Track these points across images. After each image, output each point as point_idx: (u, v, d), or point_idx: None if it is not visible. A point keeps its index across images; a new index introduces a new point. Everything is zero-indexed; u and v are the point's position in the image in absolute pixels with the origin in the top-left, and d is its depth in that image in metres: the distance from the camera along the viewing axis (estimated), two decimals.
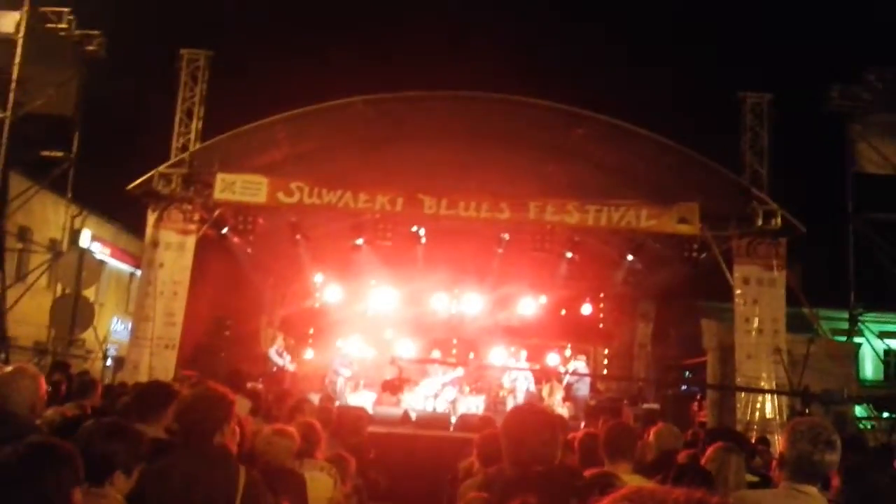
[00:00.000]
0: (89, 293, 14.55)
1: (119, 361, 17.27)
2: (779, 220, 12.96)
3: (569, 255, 15.54)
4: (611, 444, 4.10)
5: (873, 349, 18.73)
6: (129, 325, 15.60)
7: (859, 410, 15.62)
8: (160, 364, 12.57)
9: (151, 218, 13.40)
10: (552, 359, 17.88)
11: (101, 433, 2.89)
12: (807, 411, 10.78)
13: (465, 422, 12.99)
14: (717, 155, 13.57)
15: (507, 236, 15.30)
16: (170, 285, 13.10)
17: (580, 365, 17.24)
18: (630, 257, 15.69)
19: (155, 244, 13.29)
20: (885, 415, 14.77)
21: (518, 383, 15.96)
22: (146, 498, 2.88)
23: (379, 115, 13.49)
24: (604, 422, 5.18)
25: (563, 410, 14.18)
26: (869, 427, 14.82)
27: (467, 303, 18.00)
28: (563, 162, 14.02)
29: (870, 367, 23.53)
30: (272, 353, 15.93)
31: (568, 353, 19.08)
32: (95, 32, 15.41)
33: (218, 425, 3.34)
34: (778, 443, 10.49)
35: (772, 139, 13.58)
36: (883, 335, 18.90)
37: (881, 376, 23.36)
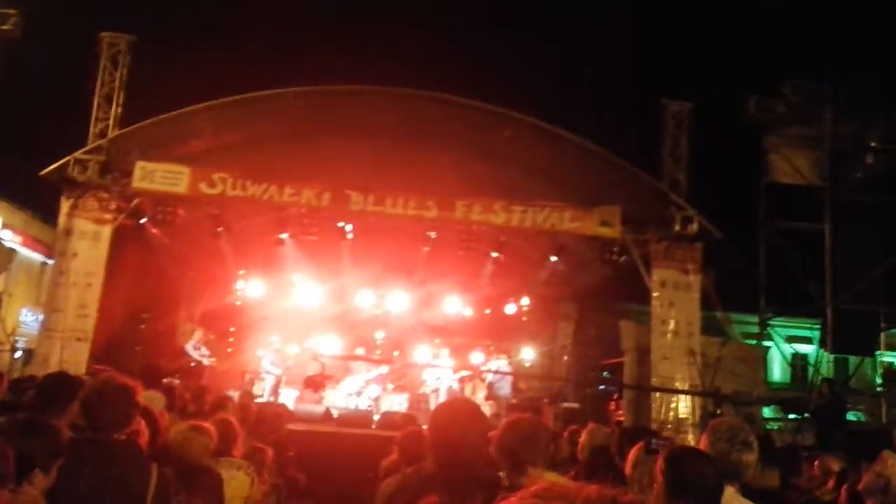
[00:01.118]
0: None
1: (28, 354, 16.57)
2: (696, 225, 13.34)
3: (494, 254, 15.68)
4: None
5: (781, 353, 19.53)
6: (40, 317, 14.97)
7: (767, 411, 16.25)
8: (72, 357, 12.10)
9: (66, 206, 12.88)
10: (476, 357, 18.00)
11: (17, 430, 2.74)
12: (718, 412, 11.18)
13: (388, 420, 12.96)
14: (639, 160, 13.90)
15: (433, 234, 15.33)
16: (83, 276, 12.63)
17: (502, 364, 17.41)
18: (553, 258, 15.94)
19: (69, 233, 12.78)
20: (792, 416, 15.39)
21: (441, 382, 16.02)
22: (60, 496, 2.76)
23: (308, 107, 13.30)
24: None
25: (485, 409, 14.28)
26: (776, 428, 15.44)
27: (392, 300, 17.96)
28: (491, 162, 14.12)
29: (778, 370, 24.52)
30: (189, 347, 15.57)
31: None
32: (11, 11, 14.73)
33: (125, 418, 3.23)
34: (691, 441, 10.83)
35: (691, 146, 13.97)
36: (790, 339, 19.74)
37: (788, 379, 24.37)
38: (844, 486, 4.71)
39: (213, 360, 15.94)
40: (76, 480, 3.00)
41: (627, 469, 3.49)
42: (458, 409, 2.97)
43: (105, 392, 3.25)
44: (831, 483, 5.95)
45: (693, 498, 2.54)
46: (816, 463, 6.64)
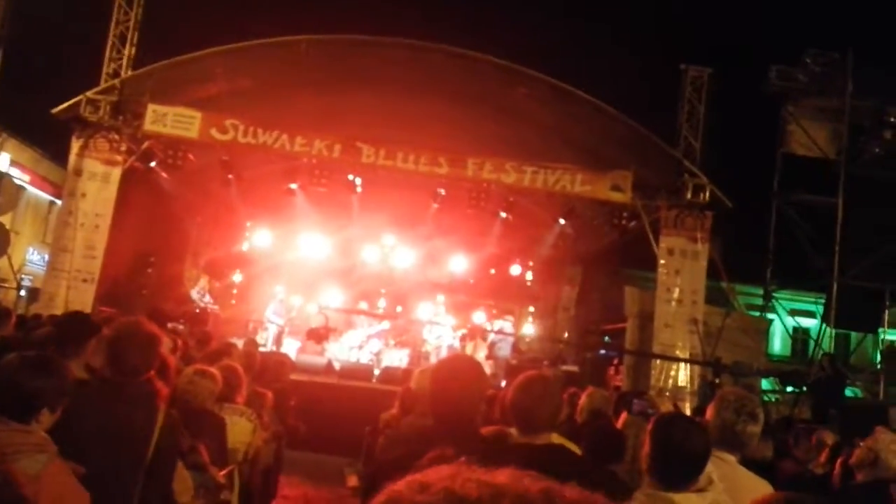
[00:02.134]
0: (5, 220, 13.91)
1: (33, 293, 16.69)
2: (707, 194, 13.25)
3: (502, 214, 15.62)
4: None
5: (784, 325, 19.53)
6: (46, 256, 15.04)
7: (766, 383, 16.33)
8: (77, 298, 12.18)
9: (76, 145, 12.85)
10: (478, 316, 18.06)
11: (27, 368, 2.73)
12: (717, 381, 11.22)
13: (389, 374, 13.07)
14: (654, 125, 13.77)
15: (443, 191, 15.26)
16: (91, 217, 12.66)
17: (505, 324, 17.47)
18: (561, 221, 15.89)
19: (78, 173, 12.77)
20: (790, 389, 15.46)
21: (442, 340, 16.10)
22: (64, 434, 2.78)
23: (323, 56, 13.15)
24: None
25: (485, 368, 14.37)
26: (773, 400, 15.53)
27: (398, 256, 17.97)
28: (504, 120, 14.00)
29: (779, 343, 24.59)
30: (193, 293, 15.62)
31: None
32: None
33: (146, 364, 3.26)
34: (687, 410, 10.91)
35: (708, 114, 13.81)
36: (793, 313, 19.75)
37: (789, 352, 24.46)
38: (839, 460, 4.74)
39: (216, 307, 16.01)
40: (83, 419, 3.02)
41: (619, 425, 3.51)
42: (460, 366, 2.99)
43: (131, 338, 3.27)
44: (824, 456, 5.99)
45: (679, 463, 2.56)
46: (812, 437, 6.68)
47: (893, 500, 3.35)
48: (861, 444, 4.12)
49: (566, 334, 18.72)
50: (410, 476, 0.72)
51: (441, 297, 18.08)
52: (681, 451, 2.56)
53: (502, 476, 0.68)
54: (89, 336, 4.00)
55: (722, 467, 3.16)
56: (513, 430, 2.91)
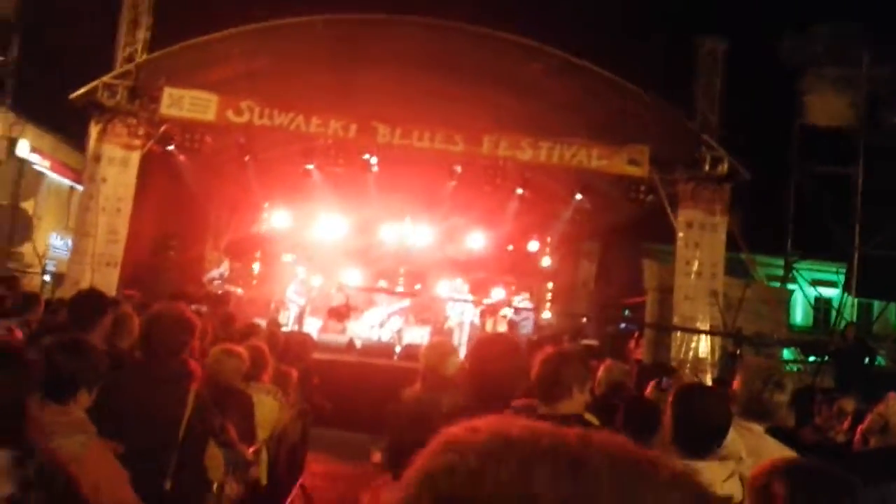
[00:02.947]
0: (27, 206, 14.09)
1: (58, 278, 16.91)
2: (725, 166, 13.18)
3: (519, 191, 15.61)
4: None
5: (805, 296, 19.47)
6: (69, 241, 15.23)
7: (787, 353, 16.32)
8: (102, 281, 12.31)
9: (94, 131, 12.96)
10: (497, 293, 18.12)
11: (64, 351, 2.84)
12: (738, 352, 11.25)
13: (410, 351, 13.16)
14: (671, 99, 13.68)
15: (459, 169, 15.27)
16: (113, 201, 12.80)
17: (524, 301, 17.52)
18: (578, 196, 15.86)
19: (97, 158, 12.89)
20: (812, 359, 15.44)
21: (465, 316, 16.17)
22: (100, 413, 2.87)
23: (338, 36, 13.14)
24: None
25: None
26: (796, 369, 15.52)
27: (416, 234, 18.03)
28: (519, 96, 13.94)
29: (800, 313, 24.49)
30: (215, 274, 15.77)
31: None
32: None
33: (182, 346, 3.35)
34: (709, 381, 10.94)
35: (725, 86, 13.70)
36: (815, 283, 19.64)
37: (810, 322, 24.35)
38: (859, 428, 4.77)
39: (237, 289, 16.14)
40: (119, 398, 3.12)
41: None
42: (497, 344, 3.04)
43: (164, 321, 3.36)
44: (846, 424, 6.02)
45: (700, 432, 2.62)
46: (833, 405, 6.70)
47: None
48: (873, 410, 4.14)
49: (586, 309, 18.75)
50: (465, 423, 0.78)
51: (460, 275, 18.14)
52: (701, 421, 2.61)
53: (543, 425, 0.75)
54: (102, 312, 4.11)
55: (748, 437, 3.21)
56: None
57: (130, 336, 4.23)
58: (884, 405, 3.92)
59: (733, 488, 2.52)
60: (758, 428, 3.28)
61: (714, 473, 2.50)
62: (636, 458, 0.72)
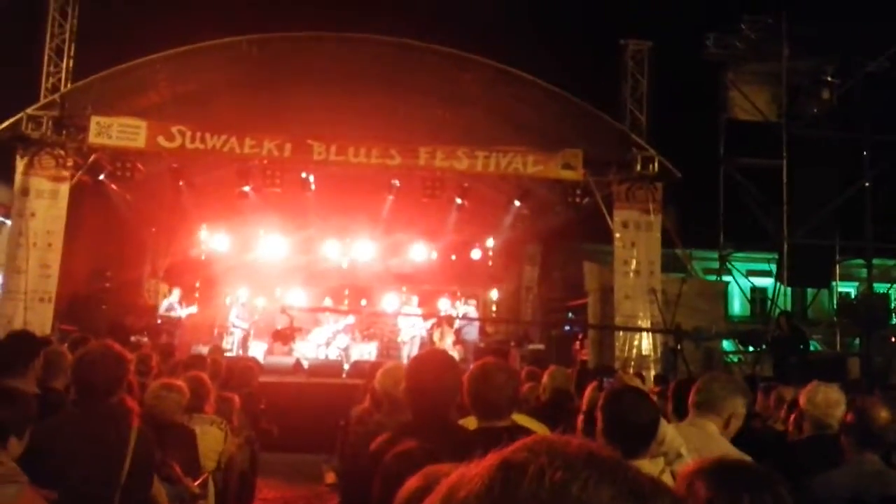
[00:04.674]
0: None
1: None
2: (656, 165, 13.52)
3: (458, 201, 15.72)
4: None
5: (740, 287, 19.99)
6: (0, 279, 14.75)
7: (727, 345, 16.74)
8: (36, 318, 12.00)
9: (21, 164, 12.63)
10: (443, 303, 18.18)
11: None
12: (678, 347, 11.51)
13: (358, 368, 13.12)
14: (599, 102, 13.97)
15: (397, 182, 15.30)
16: (43, 236, 12.47)
17: (470, 309, 17.61)
18: (517, 203, 16.05)
19: (25, 192, 12.56)
20: (751, 348, 15.87)
21: (416, 330, 16.18)
22: (36, 458, 2.82)
23: (265, 55, 13.08)
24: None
25: (453, 353, 14.51)
26: (735, 360, 15.94)
27: (359, 250, 17.97)
28: (453, 107, 14.09)
29: (737, 304, 25.13)
30: (169, 303, 15.32)
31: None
32: None
33: (116, 385, 3.30)
34: (651, 377, 11.17)
35: (651, 86, 14.04)
36: (750, 273, 20.21)
37: (748, 312, 25.00)
38: (793, 415, 4.94)
39: (190, 311, 15.66)
40: (56, 442, 3.06)
41: (583, 407, 3.64)
42: (433, 362, 3.08)
43: (99, 360, 3.30)
44: (783, 412, 6.21)
45: (629, 433, 2.71)
46: (772, 393, 6.90)
47: (839, 451, 3.52)
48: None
49: (531, 313, 18.93)
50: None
51: (405, 287, 18.15)
52: (630, 421, 2.70)
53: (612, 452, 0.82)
54: (33, 355, 4.03)
55: (699, 437, 3.33)
56: (471, 418, 3.02)
57: (64, 375, 4.15)
58: (806, 394, 4.08)
59: None
60: (713, 427, 3.41)
61: (645, 471, 2.58)
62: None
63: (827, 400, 3.98)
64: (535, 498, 0.74)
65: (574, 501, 0.74)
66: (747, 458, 3.24)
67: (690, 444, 3.22)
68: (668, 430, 3.09)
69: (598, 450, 0.80)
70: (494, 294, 20.00)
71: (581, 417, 4.05)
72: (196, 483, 4.41)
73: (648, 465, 2.62)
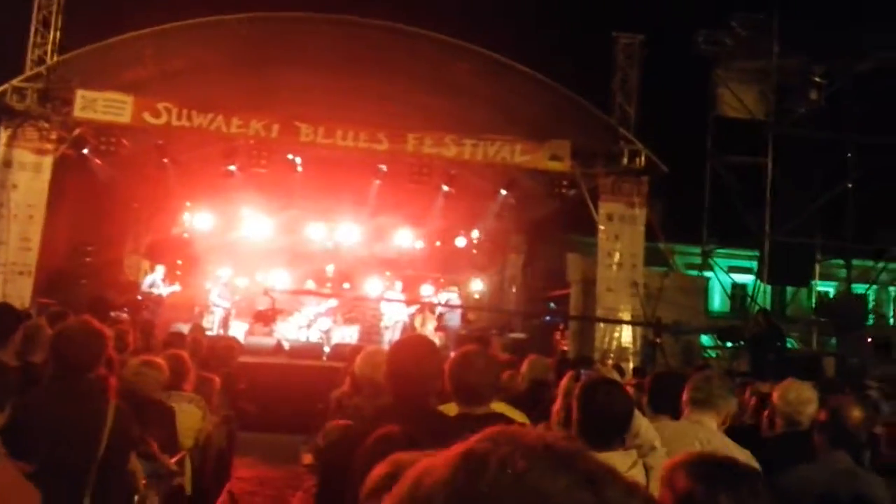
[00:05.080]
0: None
1: None
2: (643, 159, 13.57)
3: (445, 187, 15.72)
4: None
5: (721, 283, 20.14)
6: None
7: (706, 340, 16.88)
8: (14, 291, 11.92)
9: (4, 136, 12.50)
10: (426, 289, 18.21)
11: None
12: (658, 340, 11.61)
13: (339, 351, 13.14)
14: (589, 94, 13.99)
15: (384, 167, 15.27)
16: (24, 208, 12.37)
17: (452, 296, 17.64)
18: (503, 192, 16.06)
19: (8, 164, 12.44)
20: (729, 344, 16.02)
21: (399, 315, 16.20)
22: (13, 431, 2.81)
23: (255, 34, 12.98)
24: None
25: (434, 339, 14.52)
26: (714, 355, 16.08)
27: (343, 233, 17.95)
28: (443, 94, 14.04)
29: (718, 300, 25.33)
30: (152, 279, 15.17)
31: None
32: None
33: (94, 361, 3.29)
34: (630, 368, 11.26)
35: (641, 80, 14.07)
36: (732, 269, 20.37)
37: (728, 308, 25.22)
38: (765, 412, 5.00)
39: (172, 289, 15.51)
40: (35, 416, 3.06)
41: (558, 397, 3.68)
42: (414, 346, 3.10)
43: (78, 336, 3.29)
44: (755, 407, 6.28)
45: (603, 424, 2.74)
46: (747, 389, 6.98)
47: (809, 448, 3.57)
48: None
49: (513, 302, 19.00)
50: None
51: (388, 273, 18.15)
52: (604, 413, 2.74)
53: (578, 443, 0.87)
54: (13, 328, 4.02)
55: (703, 432, 3.39)
56: (451, 404, 3.04)
57: (43, 350, 4.13)
58: (779, 390, 4.14)
59: (636, 476, 2.64)
60: (711, 423, 3.47)
61: (617, 462, 2.62)
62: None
63: (799, 397, 4.04)
64: (497, 485, 0.78)
65: (533, 489, 0.78)
66: (747, 453, 3.30)
67: (690, 439, 3.27)
68: (643, 423, 3.13)
69: (554, 440, 0.85)
70: (478, 282, 20.05)
71: (555, 407, 4.09)
72: (173, 460, 4.41)
73: (619, 457, 2.66)
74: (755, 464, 3.20)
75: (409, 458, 1.39)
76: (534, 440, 0.83)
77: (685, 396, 3.61)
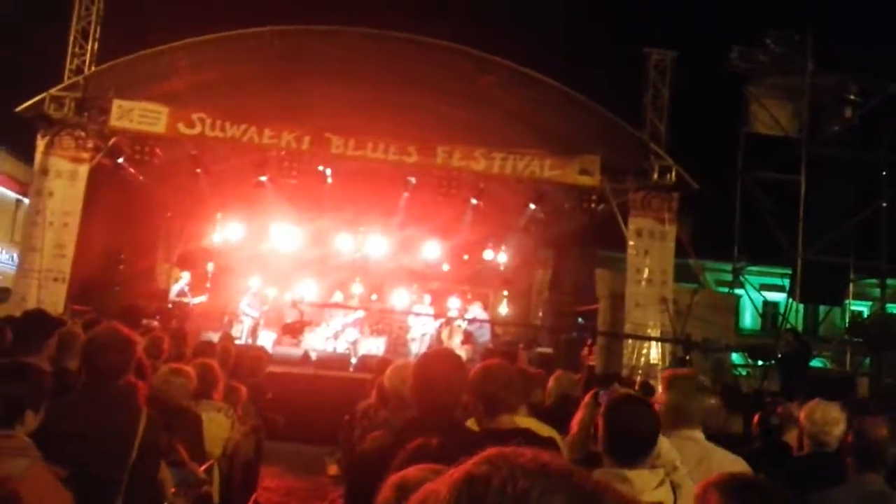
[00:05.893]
0: None
1: (3, 292, 16.52)
2: (673, 175, 13.48)
3: (473, 201, 15.73)
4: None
5: (752, 301, 19.90)
6: (14, 255, 14.89)
7: (736, 358, 16.67)
8: (49, 297, 12.11)
9: (41, 143, 12.74)
10: (453, 302, 18.21)
11: (4, 376, 2.83)
12: (687, 358, 11.49)
13: (365, 363, 13.17)
14: (620, 109, 13.94)
15: (413, 180, 15.33)
16: (60, 216, 12.58)
17: (479, 311, 17.62)
18: (532, 206, 16.04)
19: (45, 172, 12.67)
20: (760, 363, 15.80)
21: (427, 328, 16.21)
22: (47, 436, 2.86)
23: (288, 47, 13.13)
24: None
25: (461, 353, 14.53)
26: (744, 374, 15.87)
27: (371, 245, 18.02)
28: (472, 108, 14.08)
29: (749, 318, 25.03)
30: (179, 288, 15.40)
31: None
32: None
33: (123, 367, 3.34)
34: (659, 387, 11.14)
35: (673, 96, 14.01)
36: (763, 287, 20.11)
37: (759, 326, 24.91)
38: (795, 433, 4.93)
39: (200, 299, 15.73)
40: (67, 421, 3.11)
41: (578, 412, 3.65)
42: (441, 360, 3.10)
43: (107, 343, 3.34)
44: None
45: (629, 442, 2.72)
46: (778, 409, 6.88)
47: (837, 469, 3.52)
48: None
49: (540, 317, 18.92)
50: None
51: (415, 285, 18.17)
52: (630, 431, 2.72)
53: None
54: (48, 335, 4.09)
55: (692, 447, 3.33)
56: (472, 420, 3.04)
57: (77, 356, 4.20)
58: (806, 410, 4.08)
59: (663, 495, 2.62)
60: (699, 435, 3.40)
61: (644, 481, 2.61)
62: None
63: (825, 418, 3.98)
64: None
65: None
66: (742, 463, 3.26)
67: (687, 456, 3.23)
68: (664, 443, 3.10)
69: (550, 459, 0.88)
70: (504, 295, 20.00)
71: (574, 419, 4.05)
72: (202, 469, 4.45)
73: (647, 475, 2.64)
74: (746, 468, 3.17)
75: (414, 480, 1.41)
76: (530, 461, 0.87)
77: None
